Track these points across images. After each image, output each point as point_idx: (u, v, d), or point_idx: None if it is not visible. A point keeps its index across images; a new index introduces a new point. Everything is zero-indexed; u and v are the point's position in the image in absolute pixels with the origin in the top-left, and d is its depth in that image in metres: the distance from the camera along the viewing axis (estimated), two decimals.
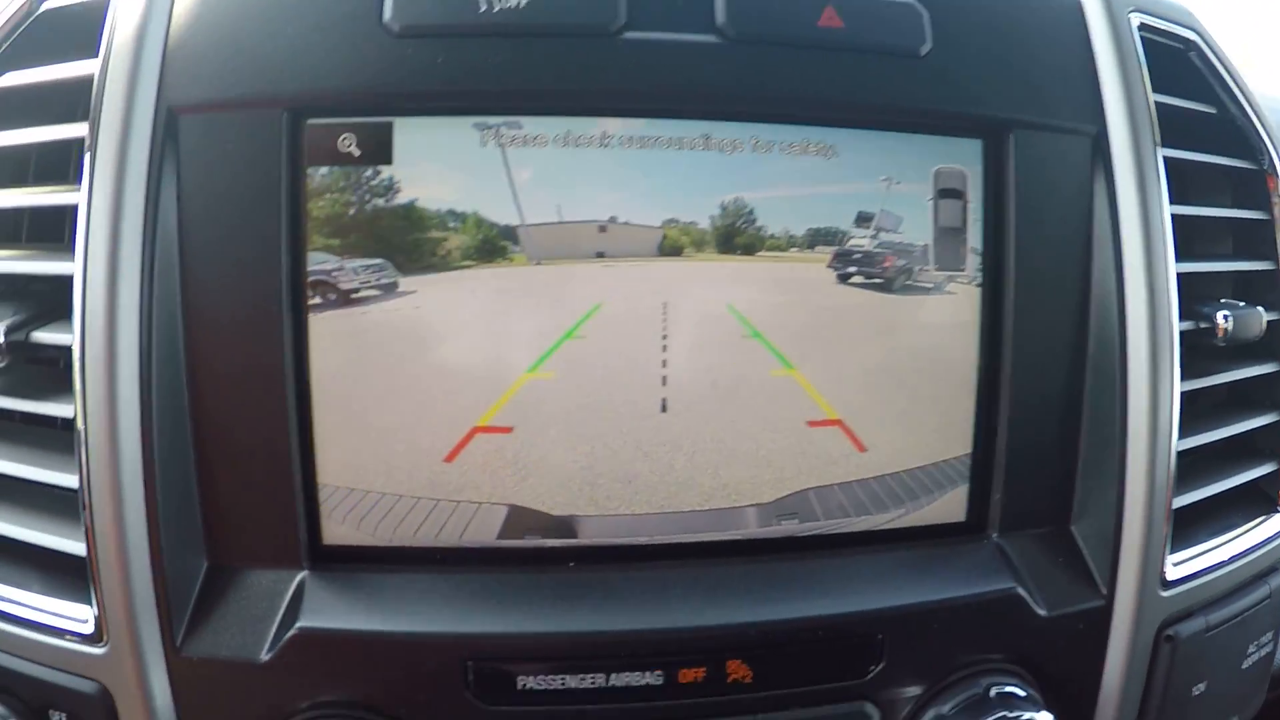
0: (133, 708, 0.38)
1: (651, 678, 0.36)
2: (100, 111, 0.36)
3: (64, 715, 0.39)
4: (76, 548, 0.37)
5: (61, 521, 0.39)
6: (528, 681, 0.35)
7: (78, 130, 0.38)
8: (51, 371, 0.41)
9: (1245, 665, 0.46)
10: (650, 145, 0.36)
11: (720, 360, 0.37)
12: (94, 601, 0.37)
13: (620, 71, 0.35)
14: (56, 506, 0.40)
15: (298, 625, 0.36)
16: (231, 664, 0.37)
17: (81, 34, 0.39)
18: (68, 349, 0.37)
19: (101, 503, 0.36)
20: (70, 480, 0.37)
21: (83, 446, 0.36)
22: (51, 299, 0.40)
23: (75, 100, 0.39)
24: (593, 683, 0.35)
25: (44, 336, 0.39)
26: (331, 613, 0.37)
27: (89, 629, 0.37)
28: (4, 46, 0.41)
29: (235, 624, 0.37)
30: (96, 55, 0.38)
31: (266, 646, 0.36)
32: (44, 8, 0.41)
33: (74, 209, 0.36)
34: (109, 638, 0.37)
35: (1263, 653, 0.48)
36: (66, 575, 0.39)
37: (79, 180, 0.37)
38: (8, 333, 0.38)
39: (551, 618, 0.35)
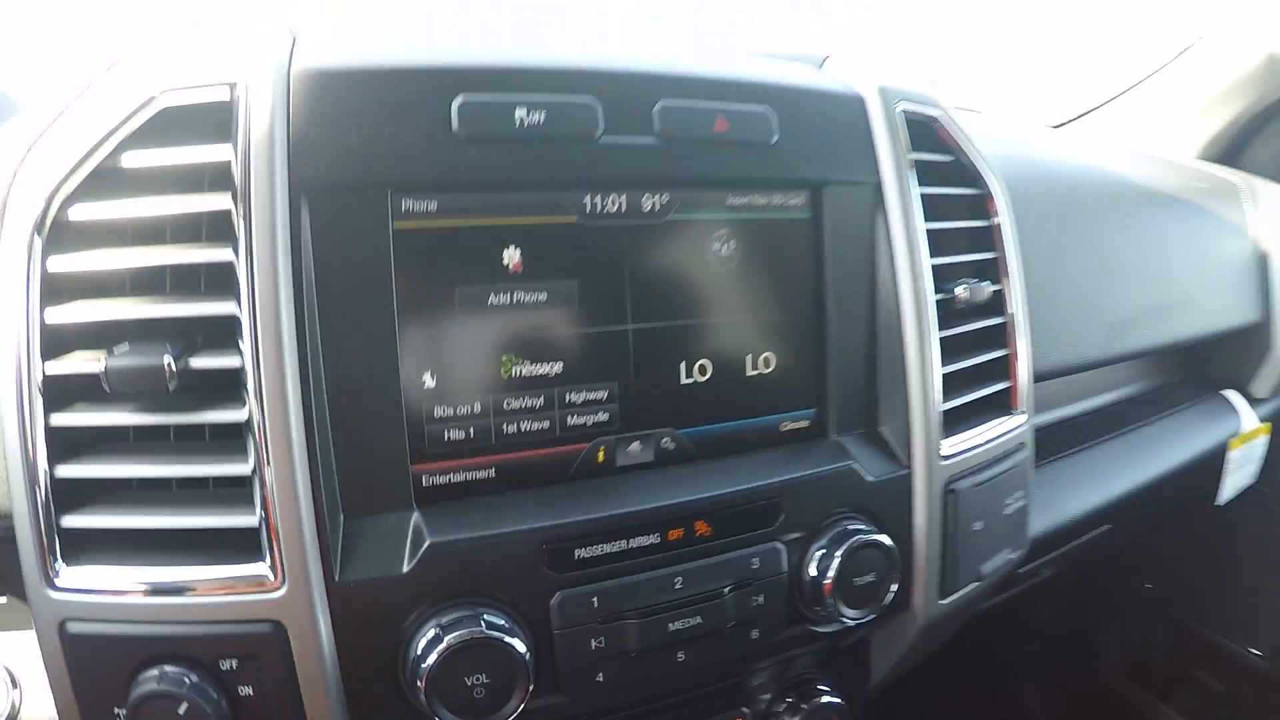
0: (303, 633, 0.57)
1: (652, 539, 0.64)
2: (249, 188, 0.55)
3: (234, 661, 0.57)
4: (248, 521, 0.56)
5: (217, 509, 0.57)
6: (581, 553, 0.62)
7: (223, 201, 0.56)
8: (196, 391, 0.58)
9: (1007, 511, 0.83)
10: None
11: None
12: (269, 557, 0.56)
13: (599, 161, 0.64)
14: (202, 500, 0.58)
15: (427, 543, 0.59)
16: (380, 581, 0.58)
17: (192, 121, 0.57)
18: (226, 370, 0.56)
19: (280, 479, 0.56)
20: (241, 469, 0.56)
21: (262, 439, 0.55)
22: (196, 334, 0.58)
23: (195, 174, 0.57)
24: (619, 547, 0.63)
25: (204, 363, 0.57)
26: (446, 531, 0.60)
27: (270, 577, 0.56)
28: (127, 134, 0.57)
29: (376, 554, 0.59)
30: (228, 142, 0.56)
31: (405, 562, 0.58)
32: (166, 104, 0.57)
33: (229, 264, 0.56)
34: (286, 582, 0.56)
35: (1019, 504, 0.85)
36: (224, 550, 0.57)
37: (218, 239, 0.56)
38: (177, 359, 0.55)
39: (592, 510, 0.63)
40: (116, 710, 0.57)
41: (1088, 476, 1.16)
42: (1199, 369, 1.56)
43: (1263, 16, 1.58)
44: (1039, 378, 0.94)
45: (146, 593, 0.56)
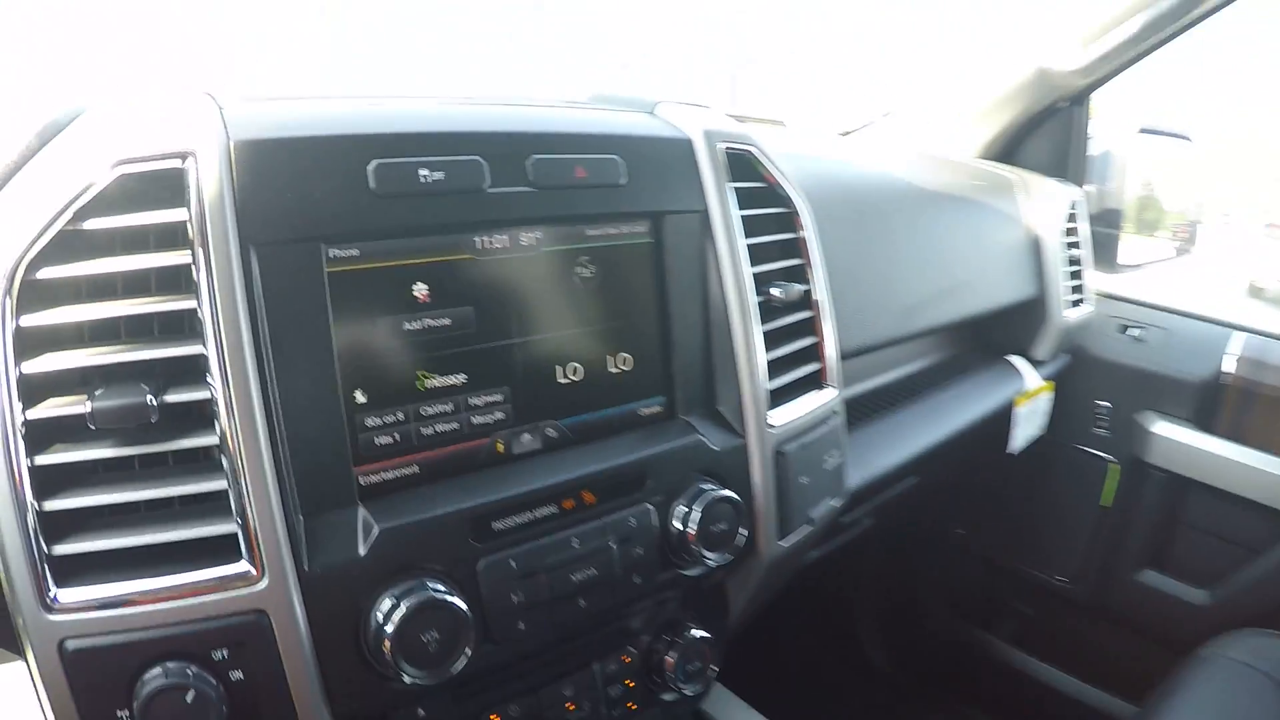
0: (283, 618, 0.67)
1: (551, 509, 0.81)
2: (208, 244, 0.65)
3: (225, 651, 0.66)
4: (227, 528, 0.66)
5: (192, 522, 0.66)
6: (497, 525, 0.78)
7: (182, 257, 0.65)
8: (163, 424, 0.66)
9: (826, 467, 1.04)
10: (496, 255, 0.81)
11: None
12: (251, 556, 0.66)
13: (487, 208, 0.79)
14: (174, 516, 0.66)
15: (376, 530, 0.71)
16: (342, 566, 0.70)
17: (147, 187, 0.65)
18: (197, 401, 0.66)
19: (255, 489, 0.66)
20: (218, 485, 0.66)
21: (237, 457, 0.65)
22: (166, 373, 0.67)
23: (145, 235, 0.66)
24: (526, 518, 0.79)
25: (178, 397, 0.66)
26: (390, 519, 0.72)
27: (253, 573, 0.66)
28: (87, 201, 0.64)
29: (335, 544, 0.70)
30: (183, 205, 0.65)
31: (361, 547, 0.71)
32: (124, 173, 0.65)
33: (192, 310, 0.66)
34: (267, 575, 0.66)
35: (836, 461, 1.06)
36: (199, 556, 0.65)
37: (171, 291, 0.66)
38: (156, 396, 0.64)
39: (501, 491, 0.79)
40: (119, 713, 0.64)
41: (895, 436, 1.38)
42: (988, 339, 1.82)
43: (1034, 34, 1.83)
44: (846, 356, 1.15)
45: (142, 602, 0.64)
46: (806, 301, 1.04)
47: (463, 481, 0.80)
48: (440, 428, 0.79)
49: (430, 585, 0.73)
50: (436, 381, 0.79)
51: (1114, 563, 2.05)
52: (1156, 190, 2.56)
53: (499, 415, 0.83)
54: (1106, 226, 2.10)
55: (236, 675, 0.67)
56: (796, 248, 1.05)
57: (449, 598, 0.73)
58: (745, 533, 0.92)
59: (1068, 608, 2.16)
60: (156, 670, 0.64)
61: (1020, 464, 1.90)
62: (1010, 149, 2.03)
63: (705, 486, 0.90)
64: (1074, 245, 1.87)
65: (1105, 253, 2.08)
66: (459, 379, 0.80)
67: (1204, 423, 1.92)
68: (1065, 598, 2.14)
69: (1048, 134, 2.01)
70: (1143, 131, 2.18)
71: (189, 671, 0.65)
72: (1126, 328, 2.04)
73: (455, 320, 0.79)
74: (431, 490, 0.78)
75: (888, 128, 2.05)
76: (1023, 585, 2.22)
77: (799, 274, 1.05)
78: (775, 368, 0.98)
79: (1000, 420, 1.68)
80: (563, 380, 0.87)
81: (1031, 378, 1.77)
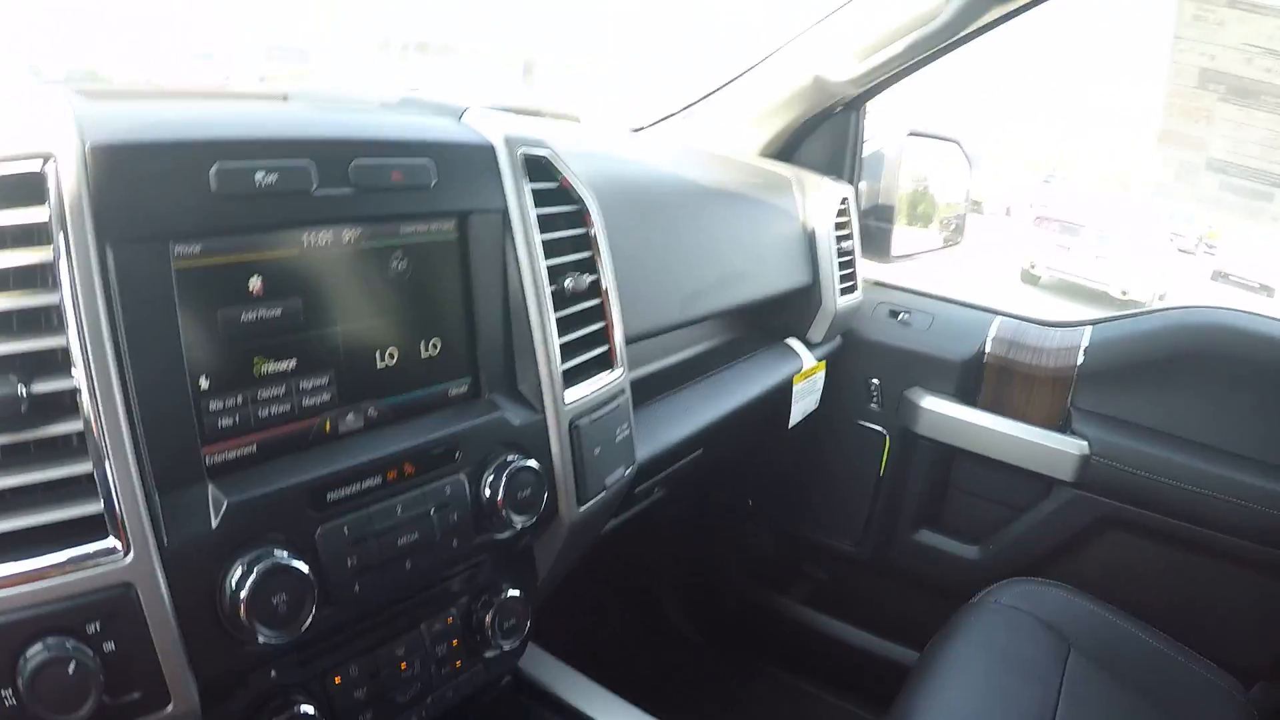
0: (149, 589, 0.73)
1: (376, 481, 0.91)
2: (69, 243, 0.70)
3: (97, 624, 0.71)
4: (93, 508, 0.71)
5: (57, 505, 0.71)
6: (331, 496, 0.86)
7: (44, 254, 0.70)
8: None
9: (617, 439, 1.19)
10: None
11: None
12: (118, 533, 0.72)
13: (314, 208, 0.87)
14: (36, 501, 0.71)
15: (225, 504, 0.78)
16: (198, 538, 0.76)
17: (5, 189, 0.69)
18: (62, 391, 0.71)
19: (119, 472, 0.72)
20: (83, 468, 0.71)
21: (102, 442, 0.71)
22: (29, 366, 0.70)
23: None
24: (355, 489, 0.88)
25: (45, 387, 0.70)
26: (236, 494, 0.79)
27: (119, 548, 0.72)
28: None
29: (190, 519, 0.77)
30: (43, 204, 0.70)
31: (213, 520, 0.77)
32: None
33: (54, 305, 0.70)
34: (132, 550, 0.72)
35: (625, 433, 1.21)
36: (64, 537, 0.70)
37: (39, 286, 0.70)
38: (25, 387, 0.69)
39: (332, 465, 0.88)
40: (3, 693, 0.68)
41: (681, 412, 1.54)
42: (769, 324, 2.01)
43: (812, 43, 2.00)
44: (633, 340, 1.30)
45: (18, 582, 0.69)
46: (596, 290, 1.18)
47: (297, 458, 0.88)
48: (275, 410, 0.87)
49: (276, 552, 0.81)
50: (270, 367, 0.86)
51: (892, 525, 2.29)
52: (931, 187, 2.81)
53: (326, 397, 0.91)
54: (880, 221, 2.31)
55: (109, 646, 0.72)
56: (587, 242, 1.17)
57: (293, 562, 0.81)
58: (547, 496, 1.05)
59: (854, 568, 2.41)
60: (38, 646, 0.68)
61: (803, 438, 2.14)
62: (790, 148, 2.21)
63: (511, 458, 1.02)
64: (844, 238, 2.07)
65: (879, 245, 2.30)
66: (290, 364, 0.88)
67: (967, 397, 2.20)
68: (851, 559, 2.39)
69: (825, 135, 2.20)
70: (911, 135, 2.44)
71: (68, 644, 0.69)
72: (896, 313, 2.29)
73: (286, 311, 0.87)
74: (272, 466, 0.86)
75: (676, 125, 2.20)
76: (812, 550, 2.46)
77: (589, 266, 1.17)
78: (569, 350, 1.11)
79: (779, 397, 1.88)
80: (381, 364, 0.96)
81: (807, 358, 1.98)
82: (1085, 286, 13.91)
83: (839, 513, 2.36)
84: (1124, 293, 13.48)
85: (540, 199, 1.10)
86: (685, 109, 2.19)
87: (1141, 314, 2.12)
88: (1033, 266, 14.93)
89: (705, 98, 2.19)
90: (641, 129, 2.21)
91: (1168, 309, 2.13)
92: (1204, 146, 1.87)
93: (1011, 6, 1.82)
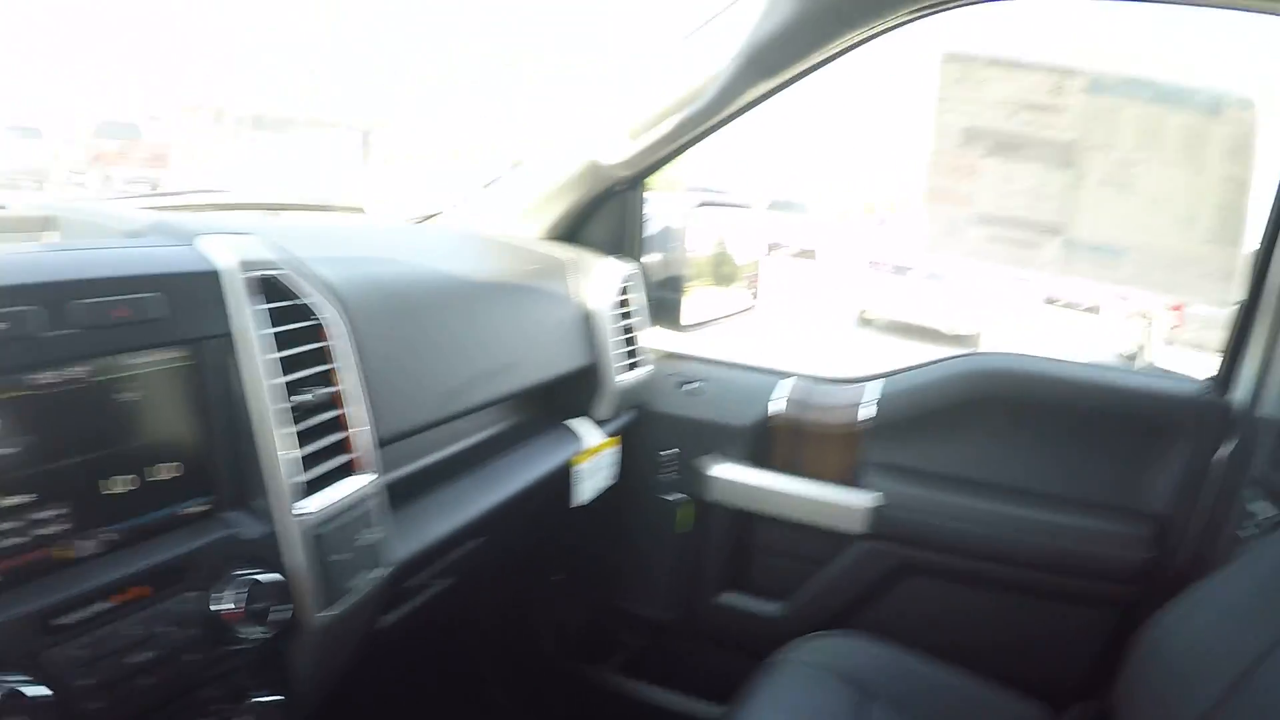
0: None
1: (112, 602, 0.97)
2: None
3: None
4: None
5: None
6: (64, 620, 0.92)
7: None
8: None
9: (360, 543, 1.27)
10: None
11: None
12: None
13: (47, 349, 0.94)
14: None
15: None
16: None
17: None
18: None
19: None
20: None
21: None
22: None
23: None
24: (91, 612, 0.94)
25: None
26: None
27: None
28: None
29: None
30: None
31: None
32: None
33: None
34: None
35: (373, 536, 1.29)
36: None
37: None
38: None
39: (70, 590, 0.94)
40: None
41: (453, 503, 1.62)
42: (552, 405, 2.11)
43: (588, 127, 2.15)
44: (389, 441, 1.38)
45: None
46: (336, 402, 1.24)
47: (33, 587, 0.93)
48: (12, 541, 0.92)
49: (10, 677, 0.85)
50: (7, 502, 0.91)
51: (697, 590, 2.38)
52: (729, 249, 2.98)
53: (65, 526, 0.96)
54: (671, 291, 2.47)
55: None
56: (325, 355, 1.24)
57: (25, 687, 0.86)
58: (287, 608, 1.11)
59: (665, 634, 2.52)
60: None
61: (605, 511, 2.24)
62: (573, 230, 2.31)
63: (243, 572, 1.09)
64: (626, 315, 2.20)
65: (670, 315, 2.45)
66: (27, 499, 0.92)
67: (761, 459, 2.33)
68: (661, 625, 2.50)
69: (607, 215, 2.30)
70: (702, 205, 2.60)
71: None
72: (683, 383, 2.43)
73: (23, 447, 0.91)
74: (12, 595, 0.91)
75: (461, 212, 2.30)
76: (627, 619, 2.57)
77: (327, 378, 1.23)
78: (311, 461, 1.17)
79: (561, 478, 1.98)
80: (119, 490, 1.01)
81: (592, 436, 2.09)
82: (917, 325, 14.70)
83: (646, 581, 2.46)
84: (953, 330, 14.32)
85: (276, 318, 1.17)
86: (470, 196, 2.31)
87: (926, 365, 2.26)
88: (864, 311, 15.76)
89: (490, 184, 2.31)
90: (427, 218, 2.30)
91: (950, 358, 2.30)
92: (970, 202, 1.98)
93: (773, 84, 1.99)
